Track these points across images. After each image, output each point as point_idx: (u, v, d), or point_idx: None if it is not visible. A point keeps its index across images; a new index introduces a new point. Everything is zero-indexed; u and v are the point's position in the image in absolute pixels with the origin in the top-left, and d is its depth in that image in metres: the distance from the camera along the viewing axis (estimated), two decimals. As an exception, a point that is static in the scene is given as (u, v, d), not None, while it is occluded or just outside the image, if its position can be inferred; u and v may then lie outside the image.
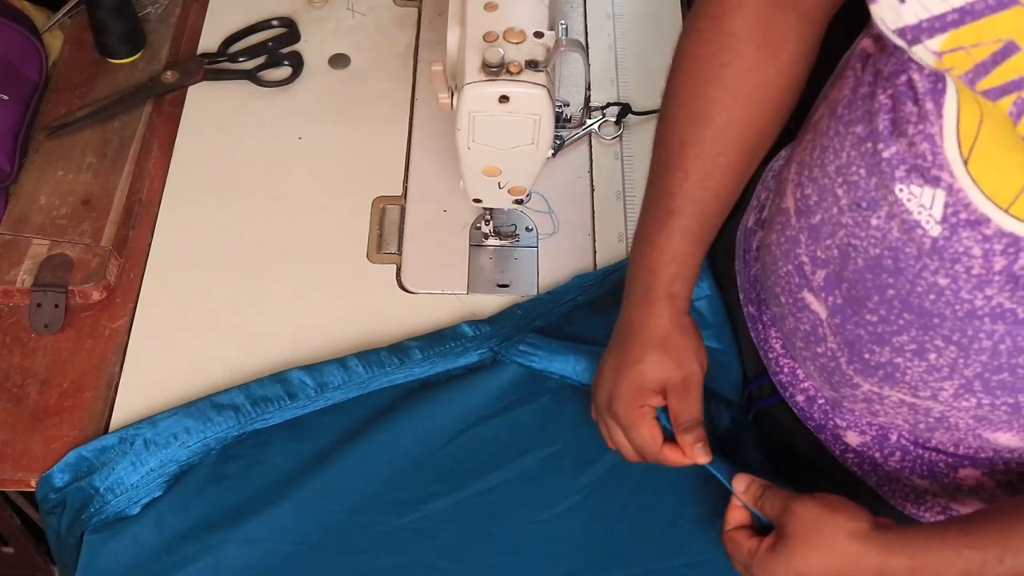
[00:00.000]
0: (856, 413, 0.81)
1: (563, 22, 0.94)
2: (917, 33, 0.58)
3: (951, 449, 0.78)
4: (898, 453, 0.81)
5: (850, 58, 0.73)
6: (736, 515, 0.78)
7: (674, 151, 0.78)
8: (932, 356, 0.70)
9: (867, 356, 0.74)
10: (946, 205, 0.63)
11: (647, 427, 0.80)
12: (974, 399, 0.71)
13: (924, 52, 0.59)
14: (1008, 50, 0.55)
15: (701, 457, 0.79)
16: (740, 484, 0.78)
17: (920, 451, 0.79)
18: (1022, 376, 0.67)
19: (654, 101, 1.12)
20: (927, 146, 0.63)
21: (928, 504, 0.82)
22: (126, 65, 1.15)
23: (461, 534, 0.87)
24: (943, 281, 0.66)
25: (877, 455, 0.83)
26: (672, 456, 0.80)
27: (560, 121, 1.08)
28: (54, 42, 1.18)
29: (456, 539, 0.86)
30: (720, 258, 0.98)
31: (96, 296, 0.99)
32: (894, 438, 0.81)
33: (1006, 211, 0.61)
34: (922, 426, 0.76)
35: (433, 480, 0.89)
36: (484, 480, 0.89)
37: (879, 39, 0.68)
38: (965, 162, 0.62)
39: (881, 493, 0.84)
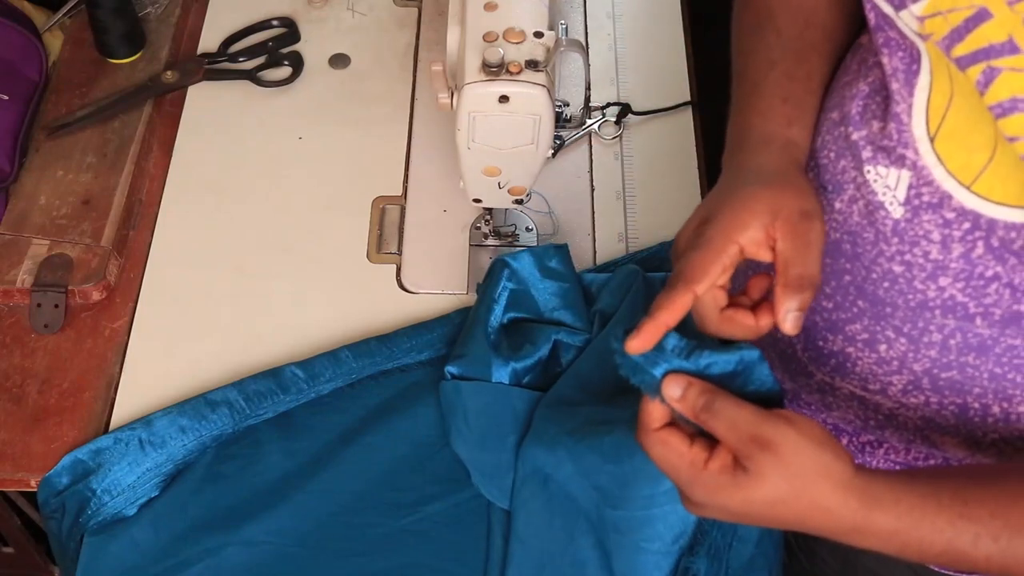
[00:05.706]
0: (812, 407, 0.81)
1: (563, 22, 0.94)
2: None
3: (901, 456, 0.77)
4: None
5: (848, 55, 0.75)
6: (659, 412, 0.62)
7: (760, 22, 0.74)
8: (882, 347, 0.70)
9: (820, 344, 0.74)
10: (910, 187, 0.64)
11: (712, 256, 0.63)
12: (922, 396, 0.71)
13: (909, 18, 0.61)
14: (980, 17, 0.57)
15: (789, 327, 0.62)
16: (674, 390, 0.61)
17: (868, 459, 0.79)
18: (970, 376, 0.68)
19: (654, 101, 1.13)
20: (894, 125, 0.64)
21: None
22: (126, 65, 1.15)
23: (460, 536, 0.87)
24: (898, 269, 0.67)
25: None
26: (734, 320, 0.64)
27: (560, 121, 1.08)
28: (54, 42, 1.18)
29: (455, 541, 0.86)
30: None
31: (96, 296, 0.99)
32: (844, 442, 0.81)
33: (968, 188, 0.62)
34: (872, 423, 0.76)
35: (431, 482, 0.89)
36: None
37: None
38: (932, 139, 0.63)
39: None
